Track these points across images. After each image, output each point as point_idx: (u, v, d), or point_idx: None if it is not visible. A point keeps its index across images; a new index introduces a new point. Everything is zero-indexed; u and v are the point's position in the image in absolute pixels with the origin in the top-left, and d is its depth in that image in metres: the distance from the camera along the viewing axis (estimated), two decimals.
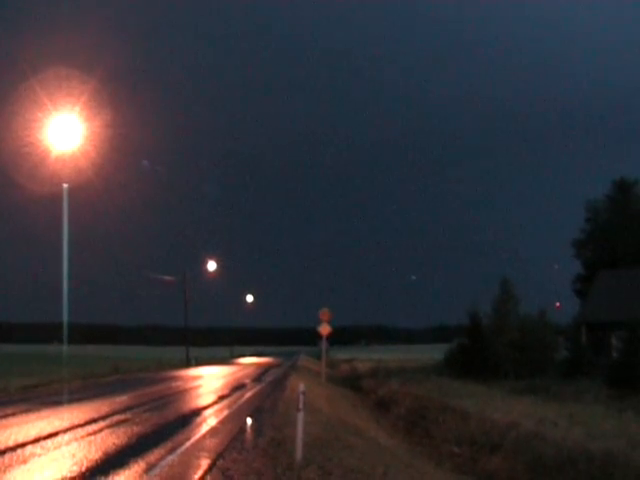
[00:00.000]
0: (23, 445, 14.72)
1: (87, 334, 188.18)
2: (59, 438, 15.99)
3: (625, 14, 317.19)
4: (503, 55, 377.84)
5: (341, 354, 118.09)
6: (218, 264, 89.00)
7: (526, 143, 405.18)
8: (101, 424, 18.95)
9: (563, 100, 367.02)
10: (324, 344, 51.77)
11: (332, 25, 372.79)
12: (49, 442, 15.31)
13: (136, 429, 17.96)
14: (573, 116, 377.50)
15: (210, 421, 20.30)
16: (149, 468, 12.31)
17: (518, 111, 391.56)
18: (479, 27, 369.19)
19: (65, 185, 30.07)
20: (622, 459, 17.64)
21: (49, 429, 17.47)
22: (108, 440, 15.72)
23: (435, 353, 67.66)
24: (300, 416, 13.68)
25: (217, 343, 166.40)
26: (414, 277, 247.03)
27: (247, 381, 43.61)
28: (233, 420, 20.61)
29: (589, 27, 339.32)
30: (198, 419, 21.04)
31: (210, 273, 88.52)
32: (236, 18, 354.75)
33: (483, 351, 53.92)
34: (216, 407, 25.09)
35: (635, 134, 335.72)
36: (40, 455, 13.68)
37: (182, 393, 33.31)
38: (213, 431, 17.87)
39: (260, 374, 55.33)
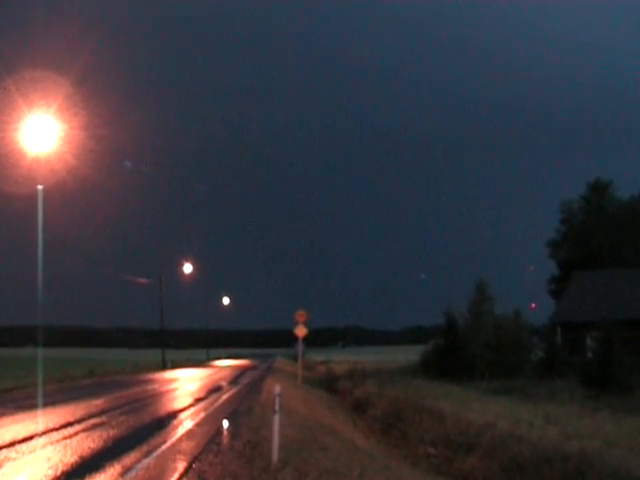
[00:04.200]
0: None
1: (63, 337, 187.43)
2: (34, 442, 15.92)
3: (606, 15, 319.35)
4: (478, 59, 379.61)
5: (317, 356, 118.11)
6: (194, 266, 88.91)
7: (502, 145, 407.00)
8: (77, 427, 18.87)
9: (539, 103, 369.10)
10: (300, 346, 51.73)
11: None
12: (24, 446, 15.24)
13: (112, 432, 17.89)
14: (548, 118, 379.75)
15: (186, 424, 20.25)
16: (125, 471, 12.27)
17: (493, 114, 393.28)
18: (457, 31, 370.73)
19: (40, 187, 29.91)
20: (597, 459, 17.76)
21: (24, 433, 17.38)
22: (84, 443, 15.65)
23: (411, 354, 67.62)
24: (276, 418, 13.69)
25: (193, 345, 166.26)
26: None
27: (223, 383, 43.54)
28: (209, 423, 20.57)
29: (565, 30, 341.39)
30: (174, 422, 20.98)
31: (186, 275, 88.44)
32: (224, 12, 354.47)
33: (459, 352, 54.08)
34: (192, 410, 25.03)
35: (610, 136, 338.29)
36: (15, 459, 13.61)
37: (158, 396, 33.20)
38: (189, 434, 17.83)
39: (236, 376, 55.25)
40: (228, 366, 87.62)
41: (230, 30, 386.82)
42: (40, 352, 35.08)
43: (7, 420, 20.74)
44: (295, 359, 74.81)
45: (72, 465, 12.95)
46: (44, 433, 17.52)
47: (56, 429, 18.41)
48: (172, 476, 11.99)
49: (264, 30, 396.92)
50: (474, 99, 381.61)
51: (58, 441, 16.11)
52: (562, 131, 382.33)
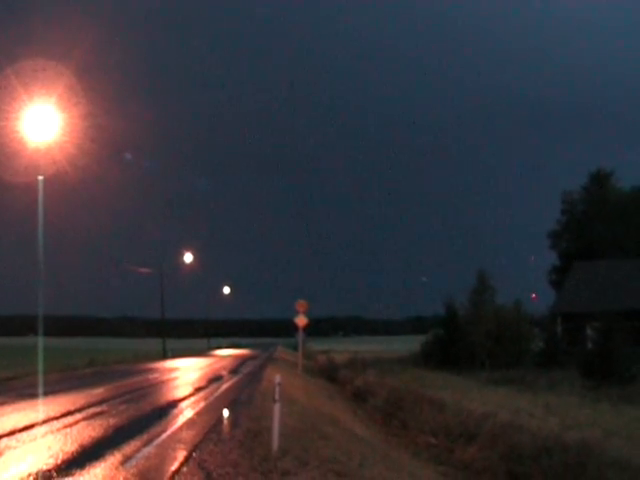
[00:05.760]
0: None
1: (64, 326, 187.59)
2: (35, 430, 15.94)
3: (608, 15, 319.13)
4: (480, 48, 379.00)
5: (318, 345, 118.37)
6: (195, 256, 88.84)
7: (503, 135, 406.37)
8: (77, 416, 18.89)
9: (540, 92, 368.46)
10: (301, 335, 51.78)
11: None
12: (25, 435, 15.26)
13: (112, 421, 17.91)
14: (550, 108, 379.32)
15: (187, 413, 20.28)
16: (125, 460, 12.28)
17: (493, 104, 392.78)
18: (461, 23, 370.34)
19: (40, 177, 29.91)
20: (597, 449, 17.79)
21: (25, 421, 17.39)
22: (84, 432, 15.68)
23: (412, 344, 67.81)
24: (276, 407, 13.69)
25: (194, 335, 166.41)
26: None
27: (224, 373, 43.57)
28: (210, 412, 20.60)
29: (568, 20, 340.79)
30: (175, 411, 21.01)
31: (187, 265, 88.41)
32: (224, 5, 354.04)
33: (459, 342, 54.20)
34: (193, 399, 25.05)
35: (612, 126, 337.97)
36: (16, 448, 13.63)
37: (159, 385, 33.24)
38: (190, 423, 17.85)
39: (237, 366, 55.30)
40: (229, 355, 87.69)
41: (234, 22, 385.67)
42: (41, 341, 35.16)
43: (8, 409, 20.77)
44: (296, 348, 74.93)
45: (73, 454, 12.97)
46: (45, 422, 17.53)
47: (57, 418, 18.43)
48: (172, 465, 12.01)
49: (273, 23, 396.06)
50: (474, 89, 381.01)
51: (59, 430, 16.14)
52: (564, 121, 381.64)
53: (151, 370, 47.22)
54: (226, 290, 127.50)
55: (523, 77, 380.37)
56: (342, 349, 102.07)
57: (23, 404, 22.28)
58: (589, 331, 48.80)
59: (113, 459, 12.37)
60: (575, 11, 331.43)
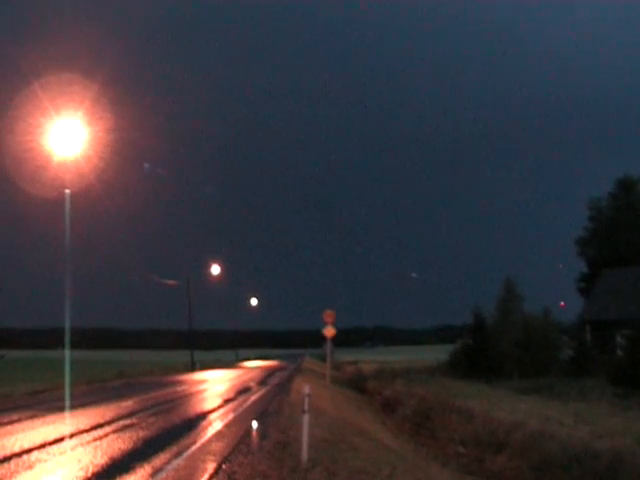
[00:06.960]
0: (29, 451, 14.71)
1: (91, 339, 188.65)
2: (65, 443, 15.99)
3: (630, 16, 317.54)
4: (507, 52, 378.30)
5: (346, 356, 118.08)
6: (222, 267, 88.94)
7: (529, 142, 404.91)
8: (107, 429, 18.95)
9: (566, 99, 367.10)
10: (329, 346, 51.72)
11: (346, 22, 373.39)
12: (55, 447, 15.31)
13: (142, 433, 17.96)
14: (576, 115, 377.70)
15: (216, 425, 20.30)
16: (155, 472, 12.31)
17: (520, 110, 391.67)
18: (486, 27, 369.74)
19: (67, 190, 30.09)
20: (629, 457, 17.61)
21: (55, 434, 17.46)
22: (114, 445, 15.72)
23: (440, 354, 67.54)
24: (305, 418, 13.69)
25: (222, 346, 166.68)
26: (414, 275, 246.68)
27: (252, 384, 43.59)
28: (239, 423, 20.61)
29: (593, 26, 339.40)
30: (204, 423, 21.04)
31: (214, 276, 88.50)
32: (241, 18, 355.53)
33: (487, 351, 53.92)
34: (221, 411, 25.08)
35: (638, 131, 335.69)
36: (46, 461, 13.67)
37: (187, 397, 33.29)
38: (219, 434, 17.87)
39: (265, 377, 55.32)
40: (257, 367, 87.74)
41: (256, 36, 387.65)
42: (69, 354, 35.34)
43: (38, 422, 20.85)
44: (323, 359, 74.85)
45: (102, 466, 13.00)
46: (74, 435, 17.60)
47: (86, 431, 18.50)
48: (202, 477, 12.02)
49: (289, 35, 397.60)
50: (501, 96, 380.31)
51: (88, 442, 16.18)
52: (590, 128, 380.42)
53: (179, 382, 47.33)
54: (254, 301, 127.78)
55: (549, 83, 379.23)
56: (370, 359, 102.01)
57: (53, 417, 22.36)
58: (619, 339, 48.40)
59: (143, 471, 12.41)
60: (600, 13, 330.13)
